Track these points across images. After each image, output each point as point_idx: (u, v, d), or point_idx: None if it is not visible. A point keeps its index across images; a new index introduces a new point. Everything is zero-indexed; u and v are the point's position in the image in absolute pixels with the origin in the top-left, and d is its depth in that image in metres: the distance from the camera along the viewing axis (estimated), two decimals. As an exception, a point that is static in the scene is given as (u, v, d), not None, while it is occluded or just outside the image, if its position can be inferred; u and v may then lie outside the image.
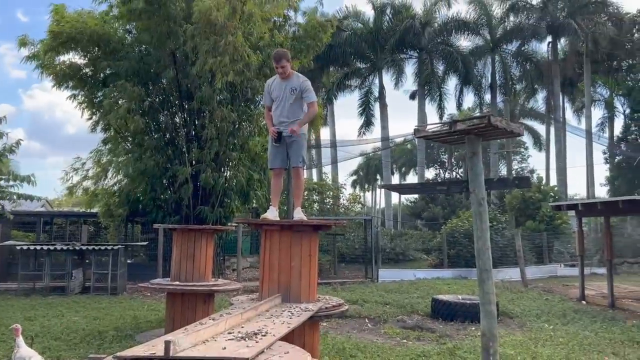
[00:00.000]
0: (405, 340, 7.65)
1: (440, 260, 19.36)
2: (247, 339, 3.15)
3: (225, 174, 14.03)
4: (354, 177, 58.43)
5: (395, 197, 43.40)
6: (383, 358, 6.23)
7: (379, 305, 10.58)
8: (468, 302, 9.41)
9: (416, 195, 34.41)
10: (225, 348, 2.90)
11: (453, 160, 46.82)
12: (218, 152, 13.33)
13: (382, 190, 41.74)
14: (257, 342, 3.09)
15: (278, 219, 5.53)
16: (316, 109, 5.76)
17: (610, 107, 36.02)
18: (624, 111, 35.80)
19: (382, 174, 35.07)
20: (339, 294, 11.51)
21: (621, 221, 23.23)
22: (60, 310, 9.82)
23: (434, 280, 15.65)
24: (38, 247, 13.21)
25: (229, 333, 3.33)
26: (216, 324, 3.40)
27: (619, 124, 35.52)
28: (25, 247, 13.09)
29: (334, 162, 33.90)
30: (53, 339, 7.19)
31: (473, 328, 8.25)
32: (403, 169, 54.68)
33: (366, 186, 61.15)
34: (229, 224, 13.41)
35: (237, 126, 14.00)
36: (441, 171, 48.67)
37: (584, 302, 11.81)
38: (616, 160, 34.34)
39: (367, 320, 9.22)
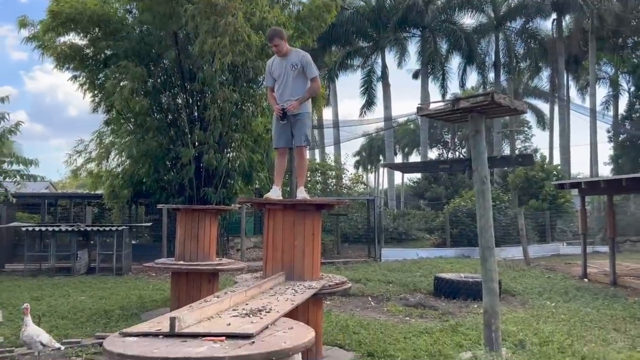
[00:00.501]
0: (408, 318, 7.73)
1: (443, 239, 19.44)
2: (251, 315, 3.19)
3: (228, 155, 14.02)
4: (357, 158, 58.38)
5: (398, 177, 43.43)
6: (386, 335, 6.30)
7: (382, 284, 10.66)
8: (470, 280, 9.47)
9: (419, 175, 34.43)
10: (229, 324, 2.94)
11: (456, 140, 46.70)
12: (221, 133, 13.31)
13: (385, 170, 41.63)
14: (261, 318, 3.13)
15: (281, 198, 5.55)
16: (318, 85, 5.72)
17: (615, 85, 35.71)
18: (629, 89, 35.54)
19: (385, 154, 35.00)
20: (342, 273, 11.57)
21: (624, 199, 23.24)
22: (66, 290, 9.93)
23: (437, 259, 15.74)
24: (43, 229, 13.30)
25: (234, 310, 3.37)
26: (220, 301, 3.45)
27: (623, 102, 35.29)
28: (30, 229, 13.18)
29: (337, 142, 33.80)
30: (60, 318, 7.29)
31: (475, 306, 8.31)
32: (406, 149, 54.57)
33: (369, 167, 61.09)
34: (232, 204, 13.47)
35: (239, 107, 13.95)
36: (444, 151, 48.64)
37: (586, 279, 11.88)
38: (620, 138, 34.19)
39: (370, 299, 9.30)
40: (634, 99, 33.05)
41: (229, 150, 14.25)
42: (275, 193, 5.48)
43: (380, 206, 21.12)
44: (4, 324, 6.31)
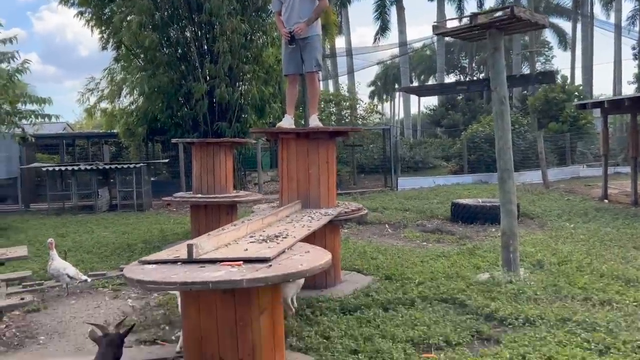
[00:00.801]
0: (425, 243, 7.80)
1: (460, 166, 19.32)
2: (268, 241, 3.21)
3: (240, 88, 13.81)
4: (372, 88, 57.30)
5: (414, 106, 42.77)
6: (403, 259, 6.37)
7: (398, 212, 10.71)
8: (488, 204, 9.43)
9: (435, 103, 33.80)
10: (247, 249, 2.96)
11: (474, 64, 45.35)
12: (231, 66, 13.04)
13: (401, 100, 40.82)
14: (278, 243, 3.14)
15: (294, 126, 5.47)
16: (326, 3, 5.48)
17: (642, -1, 33.83)
18: (658, 2, 33.62)
19: (401, 82, 34.22)
20: (359, 202, 11.64)
21: (648, 119, 22.61)
22: (90, 227, 10.19)
23: (454, 186, 15.70)
24: (63, 168, 13.50)
25: (251, 237, 3.39)
26: (237, 229, 3.46)
27: (651, 17, 33.50)
28: (51, 169, 13.39)
29: (350, 71, 33.07)
30: (85, 253, 7.52)
31: (493, 230, 8.33)
32: (422, 76, 53.19)
33: (384, 97, 60.08)
34: (246, 138, 13.43)
35: (249, 38, 13.57)
36: (461, 77, 47.36)
37: (606, 201, 11.76)
38: (646, 56, 32.79)
39: (387, 226, 9.38)
40: (662, 13, 31.38)
41: (241, 83, 14.02)
42: (287, 122, 5.39)
43: (397, 135, 20.89)
44: (32, 259, 6.52)
